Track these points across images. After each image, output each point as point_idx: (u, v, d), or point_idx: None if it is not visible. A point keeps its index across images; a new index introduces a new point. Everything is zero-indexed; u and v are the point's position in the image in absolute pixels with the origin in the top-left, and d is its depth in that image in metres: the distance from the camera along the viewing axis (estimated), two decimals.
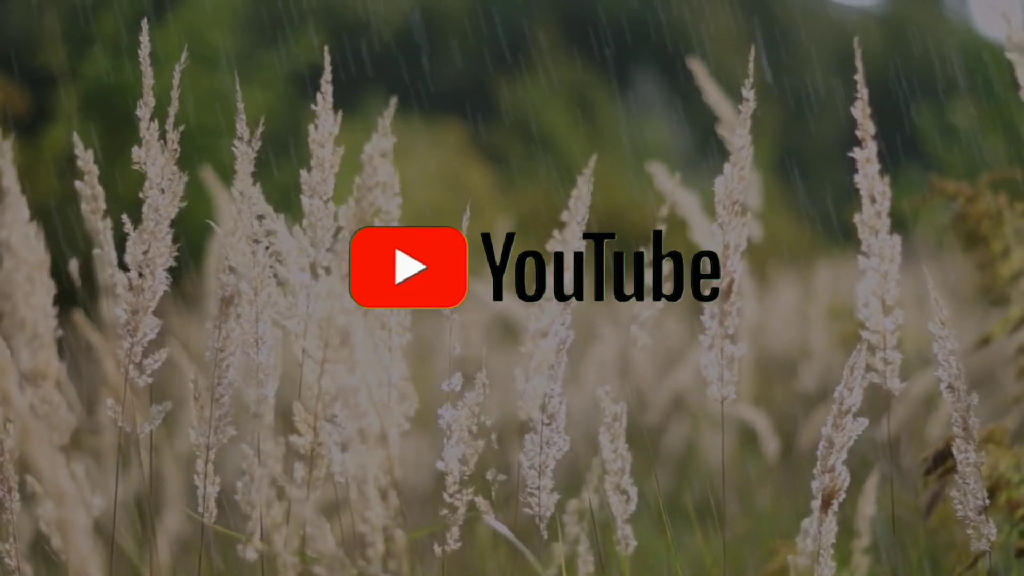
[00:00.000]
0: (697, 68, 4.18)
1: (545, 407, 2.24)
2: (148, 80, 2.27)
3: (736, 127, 2.27)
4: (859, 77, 2.27)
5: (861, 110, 2.26)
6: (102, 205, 2.40)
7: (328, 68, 2.28)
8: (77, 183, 2.40)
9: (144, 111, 2.27)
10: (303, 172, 2.28)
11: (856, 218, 2.26)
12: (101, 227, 2.42)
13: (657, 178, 3.91)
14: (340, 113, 2.30)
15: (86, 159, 2.39)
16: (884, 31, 26.43)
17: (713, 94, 4.18)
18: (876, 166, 2.26)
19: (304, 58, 10.71)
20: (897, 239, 2.26)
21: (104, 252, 2.36)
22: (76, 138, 2.40)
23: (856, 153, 2.26)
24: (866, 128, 2.27)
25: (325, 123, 2.29)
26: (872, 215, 2.26)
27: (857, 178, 2.26)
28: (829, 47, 26.63)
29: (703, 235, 4.04)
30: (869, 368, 2.24)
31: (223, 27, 10.32)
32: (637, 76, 23.98)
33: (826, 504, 2.22)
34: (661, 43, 23.10)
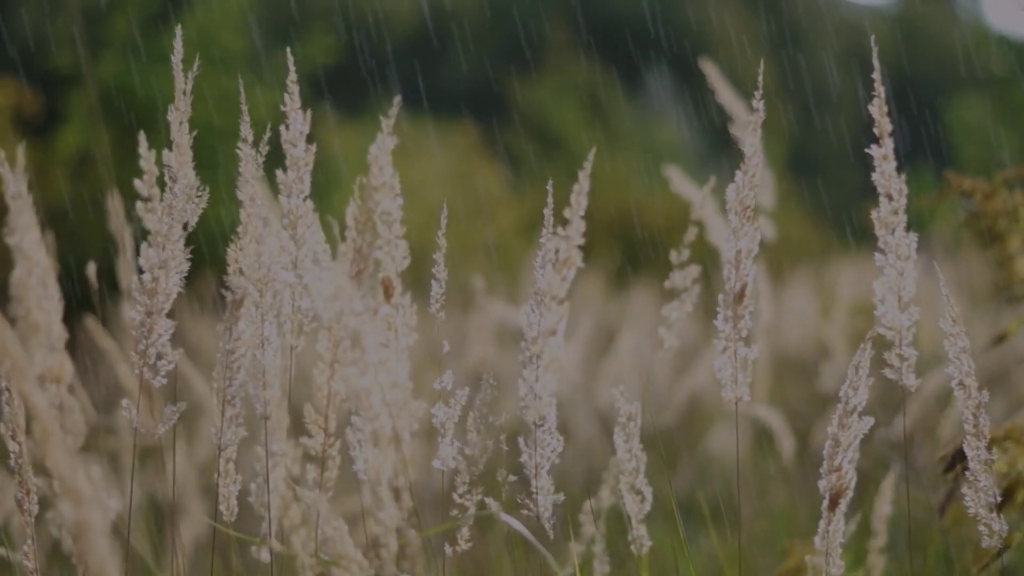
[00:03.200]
0: (708, 69, 4.17)
1: (536, 409, 2.24)
2: (180, 84, 2.27)
3: (746, 136, 2.28)
4: (876, 75, 2.27)
5: (878, 107, 2.26)
6: (157, 205, 2.41)
7: (292, 68, 2.29)
8: (136, 182, 2.40)
9: (176, 115, 2.27)
10: (279, 172, 2.30)
11: (873, 215, 2.25)
12: (157, 228, 2.42)
13: (673, 181, 3.91)
14: (310, 112, 2.32)
15: (148, 158, 2.39)
16: (896, 29, 26.41)
17: (725, 94, 4.18)
18: (893, 163, 2.26)
19: (317, 59, 10.73)
20: (913, 237, 2.25)
21: (144, 252, 2.36)
22: (142, 137, 2.40)
23: (873, 150, 2.26)
24: (883, 125, 2.26)
25: (295, 122, 2.30)
26: (889, 212, 2.26)
27: (874, 176, 2.26)
28: (841, 46, 26.60)
29: (719, 235, 4.04)
30: (884, 364, 2.24)
31: (233, 28, 10.34)
32: (649, 75, 23.97)
33: (833, 503, 2.22)
34: (673, 42, 23.10)
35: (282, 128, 2.29)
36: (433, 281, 2.28)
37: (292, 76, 2.29)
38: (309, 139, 2.32)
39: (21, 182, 2.62)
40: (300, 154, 2.31)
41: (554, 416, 2.24)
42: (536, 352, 2.18)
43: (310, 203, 2.30)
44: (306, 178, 2.30)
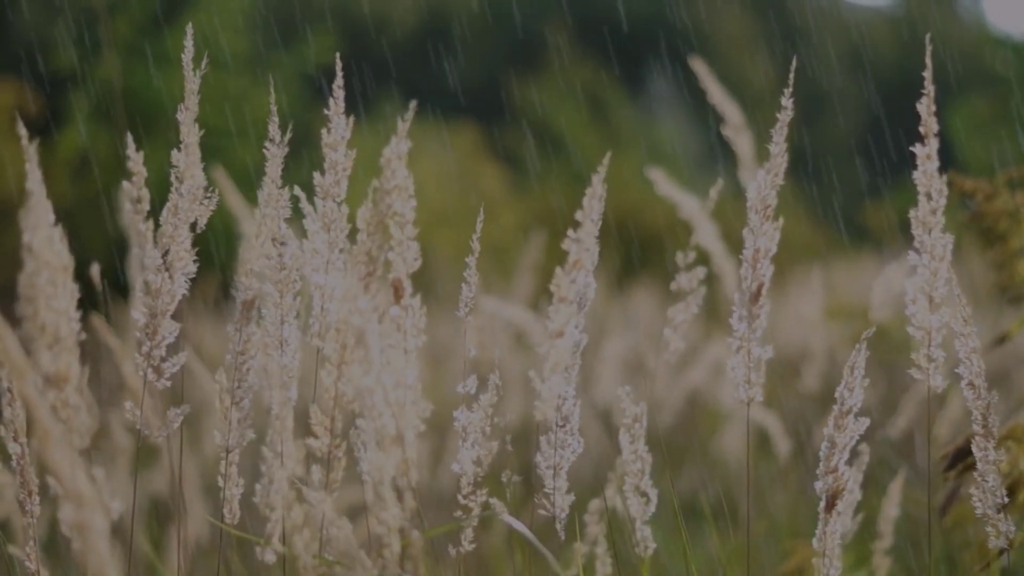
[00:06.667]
0: (700, 69, 4.14)
1: (559, 409, 2.24)
2: (191, 84, 2.27)
3: (774, 134, 2.26)
4: (927, 73, 2.26)
5: (926, 106, 2.25)
6: (146, 207, 2.41)
7: (340, 73, 2.28)
8: (125, 184, 2.40)
9: (186, 115, 2.27)
10: (316, 175, 2.29)
11: (911, 214, 2.24)
12: (143, 228, 2.42)
13: (658, 184, 3.89)
14: (352, 118, 2.31)
15: (136, 160, 2.39)
16: (898, 30, 26.39)
17: (717, 95, 4.13)
18: (936, 163, 2.24)
19: (317, 59, 10.72)
20: (949, 238, 2.24)
21: (146, 254, 2.36)
22: (129, 138, 2.40)
23: (917, 149, 2.25)
24: (929, 124, 2.25)
25: (338, 127, 2.30)
26: (927, 212, 2.25)
27: (915, 174, 2.25)
28: (843, 46, 26.58)
29: (707, 237, 4.01)
30: (910, 365, 2.24)
31: (234, 29, 10.34)
32: (650, 76, 23.97)
33: (830, 505, 2.21)
34: (674, 43, 23.10)
35: (323, 132, 2.29)
36: (463, 284, 2.27)
37: (339, 81, 2.28)
38: (314, 139, 2.32)
39: (37, 179, 2.62)
40: (339, 159, 2.30)
41: (577, 417, 2.24)
42: (545, 354, 2.18)
43: (345, 208, 2.30)
44: (343, 183, 2.30)
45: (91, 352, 3.17)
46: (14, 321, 2.62)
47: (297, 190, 2.29)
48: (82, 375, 2.66)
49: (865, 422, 2.20)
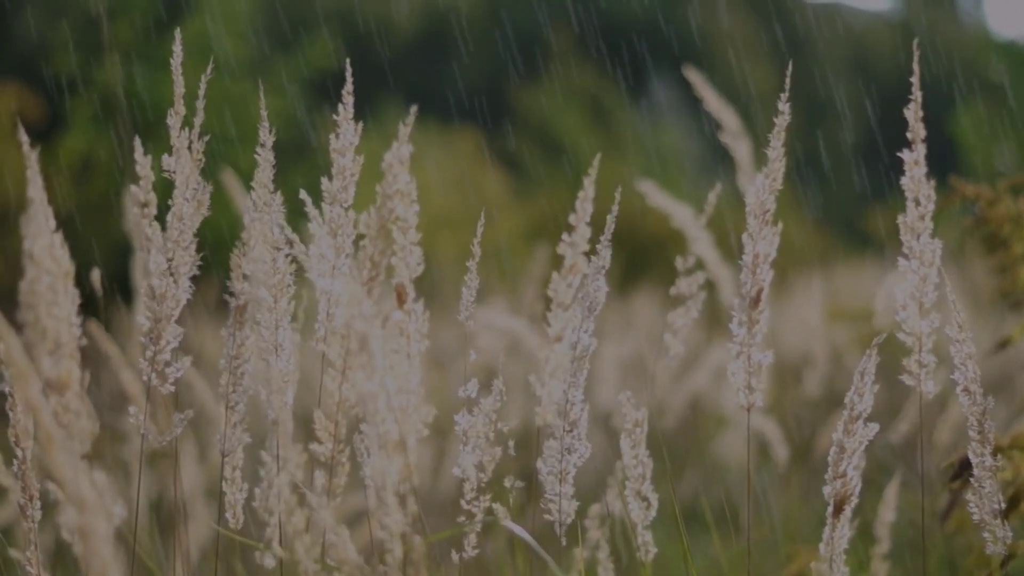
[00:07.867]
0: (696, 78, 4.12)
1: (566, 414, 2.24)
2: (179, 88, 2.27)
3: (771, 139, 2.26)
4: (915, 79, 2.26)
5: (914, 112, 2.25)
6: (153, 211, 2.41)
7: (349, 79, 2.28)
8: (132, 188, 2.40)
9: (175, 119, 2.27)
10: (324, 180, 2.29)
11: (899, 220, 2.24)
12: (150, 233, 2.42)
13: (649, 195, 3.88)
14: (361, 124, 2.31)
15: (143, 164, 2.39)
16: (900, 36, 26.40)
17: (713, 102, 4.12)
18: (923, 169, 2.24)
19: (318, 63, 10.73)
20: (938, 243, 2.24)
21: (152, 258, 2.36)
22: (137, 142, 2.40)
23: (904, 155, 2.24)
24: (916, 130, 2.25)
25: (346, 133, 2.29)
26: (915, 218, 2.25)
27: (903, 180, 2.24)
28: (845, 52, 26.59)
29: (701, 246, 3.99)
30: (903, 371, 2.23)
31: (235, 34, 10.35)
32: (652, 81, 23.98)
33: (838, 509, 2.21)
34: (676, 48, 23.11)
35: (331, 137, 2.29)
36: (464, 289, 2.27)
37: (348, 87, 2.28)
38: (316, 143, 2.32)
39: (38, 186, 2.62)
40: (347, 164, 2.30)
41: (585, 421, 2.24)
42: (544, 358, 2.18)
43: (352, 213, 2.30)
44: (351, 188, 2.29)
45: (91, 357, 3.18)
46: (16, 327, 2.62)
47: (303, 194, 2.29)
48: (83, 380, 2.66)
49: (875, 427, 2.19)
